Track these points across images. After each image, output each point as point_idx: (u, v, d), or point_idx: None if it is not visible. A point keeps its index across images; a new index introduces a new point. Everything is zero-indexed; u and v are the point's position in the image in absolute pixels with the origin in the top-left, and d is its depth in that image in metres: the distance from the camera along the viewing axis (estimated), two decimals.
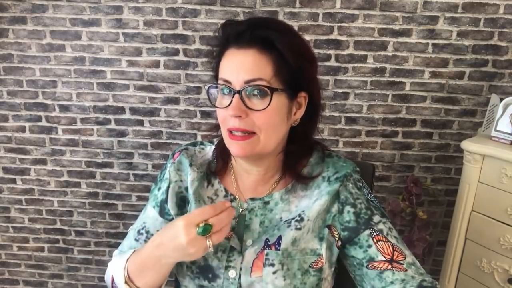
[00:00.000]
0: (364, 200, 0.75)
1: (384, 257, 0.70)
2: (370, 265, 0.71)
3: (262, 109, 0.67)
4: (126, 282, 0.71)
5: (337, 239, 0.74)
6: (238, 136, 0.69)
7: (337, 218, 0.74)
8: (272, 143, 0.71)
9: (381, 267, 0.70)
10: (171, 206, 0.79)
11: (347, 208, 0.74)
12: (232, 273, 0.72)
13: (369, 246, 0.72)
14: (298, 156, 0.78)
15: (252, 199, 0.77)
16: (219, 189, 0.79)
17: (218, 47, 0.73)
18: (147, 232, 0.81)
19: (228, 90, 0.69)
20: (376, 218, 0.74)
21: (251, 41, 0.68)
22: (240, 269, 0.71)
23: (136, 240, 0.82)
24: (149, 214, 0.82)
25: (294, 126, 0.75)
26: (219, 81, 0.70)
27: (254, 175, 0.78)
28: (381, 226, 0.73)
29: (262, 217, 0.76)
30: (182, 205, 0.79)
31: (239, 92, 0.67)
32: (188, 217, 0.63)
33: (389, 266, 0.70)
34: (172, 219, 0.79)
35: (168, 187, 0.79)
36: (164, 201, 0.80)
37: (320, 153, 0.81)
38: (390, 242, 0.71)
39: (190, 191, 0.77)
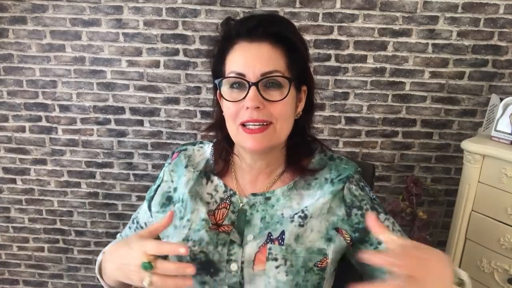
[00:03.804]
0: (368, 201, 0.77)
1: None
2: None
3: (280, 100, 0.69)
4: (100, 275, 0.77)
5: (348, 241, 0.75)
6: (255, 129, 0.69)
7: (346, 221, 0.75)
8: (284, 134, 0.73)
9: None
10: (154, 204, 0.82)
11: (354, 211, 0.75)
12: (234, 266, 0.71)
13: (379, 243, 0.74)
14: (300, 150, 0.79)
15: (254, 194, 0.77)
16: (219, 184, 0.80)
17: (223, 42, 0.73)
18: (137, 222, 0.87)
19: (238, 84, 0.70)
20: (382, 216, 0.77)
21: (264, 35, 0.69)
22: (242, 262, 0.71)
23: (130, 228, 0.89)
24: (143, 207, 0.87)
25: (297, 119, 0.77)
26: (230, 75, 0.70)
27: (256, 169, 0.78)
28: (386, 223, 0.76)
29: (263, 213, 0.76)
30: (166, 204, 0.81)
31: (256, 84, 0.67)
32: (143, 243, 0.61)
33: None
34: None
35: (159, 185, 0.83)
36: (152, 198, 0.84)
37: (322, 155, 0.81)
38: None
39: (185, 190, 0.78)
